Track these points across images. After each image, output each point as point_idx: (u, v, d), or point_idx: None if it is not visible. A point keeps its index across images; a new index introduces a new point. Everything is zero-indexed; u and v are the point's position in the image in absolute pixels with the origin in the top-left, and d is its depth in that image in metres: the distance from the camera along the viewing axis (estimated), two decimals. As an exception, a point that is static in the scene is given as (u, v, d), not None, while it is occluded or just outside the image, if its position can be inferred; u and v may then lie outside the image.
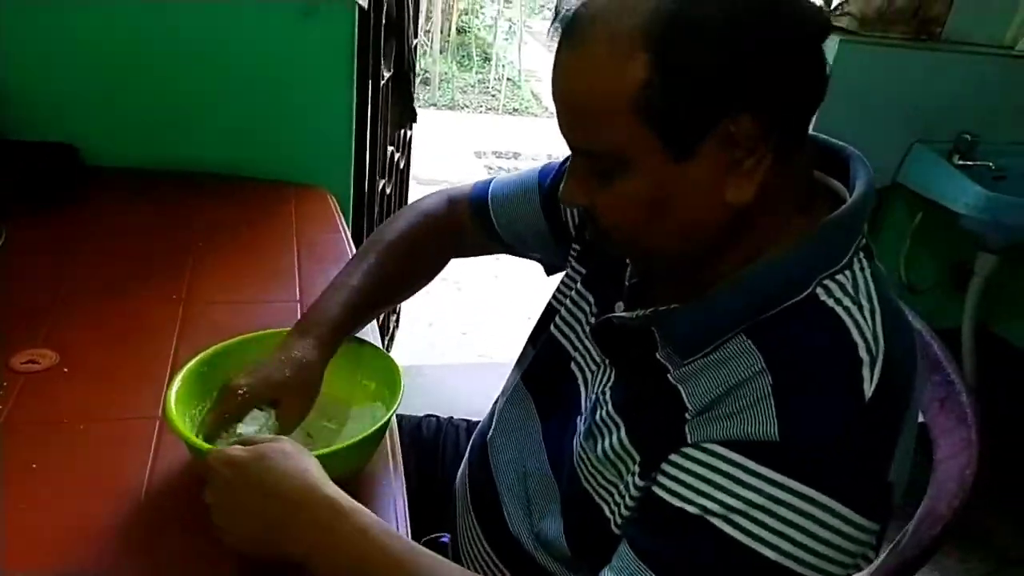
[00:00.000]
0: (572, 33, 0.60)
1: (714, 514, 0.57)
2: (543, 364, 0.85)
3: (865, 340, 0.58)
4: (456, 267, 1.09)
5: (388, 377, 0.86)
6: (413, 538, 0.71)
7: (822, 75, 0.61)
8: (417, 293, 1.02)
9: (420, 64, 5.60)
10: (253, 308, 1.11)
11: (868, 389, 0.56)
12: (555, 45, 0.63)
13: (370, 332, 0.98)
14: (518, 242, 0.97)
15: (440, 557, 0.65)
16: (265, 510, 0.63)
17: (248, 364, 0.80)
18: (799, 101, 0.60)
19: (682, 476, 0.60)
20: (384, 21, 1.63)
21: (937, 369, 0.89)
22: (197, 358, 0.83)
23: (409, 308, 2.66)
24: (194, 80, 1.46)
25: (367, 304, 0.90)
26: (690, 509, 0.58)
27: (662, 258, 0.67)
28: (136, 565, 0.68)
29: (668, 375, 0.65)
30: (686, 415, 0.62)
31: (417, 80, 2.42)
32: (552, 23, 0.64)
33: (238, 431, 0.78)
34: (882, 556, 0.86)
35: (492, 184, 0.98)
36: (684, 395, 0.63)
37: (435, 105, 5.76)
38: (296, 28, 1.45)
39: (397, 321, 2.53)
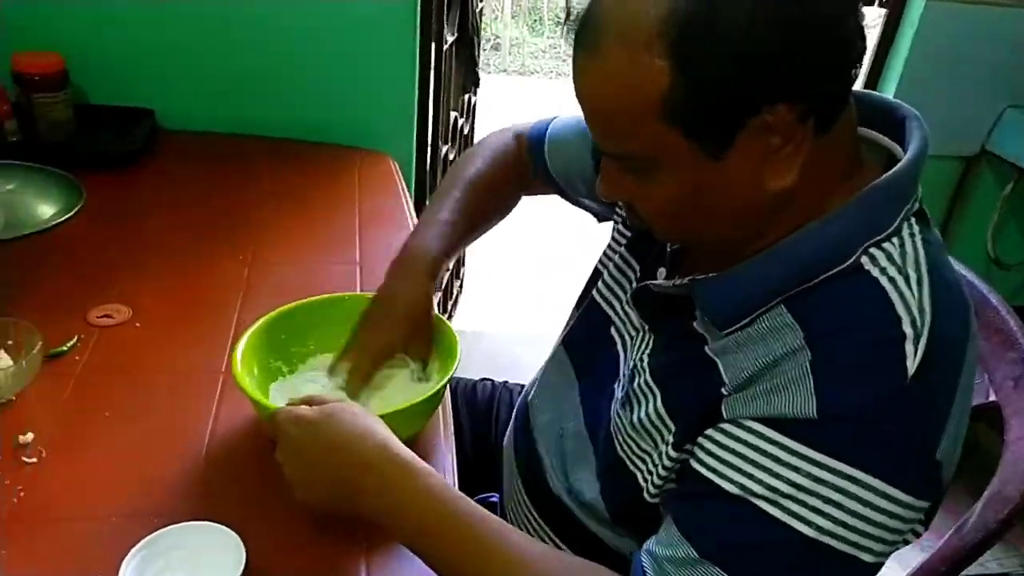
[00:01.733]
0: (586, 38, 0.57)
1: (754, 494, 0.56)
2: (584, 328, 0.85)
3: (910, 313, 0.55)
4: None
5: (439, 341, 0.87)
6: None
7: (861, 38, 0.56)
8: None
9: (491, 29, 5.57)
10: (315, 270, 1.14)
11: (911, 366, 0.54)
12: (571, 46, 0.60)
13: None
14: (569, 187, 0.97)
15: (507, 524, 0.66)
16: (336, 469, 0.64)
17: (366, 317, 0.84)
18: (838, 75, 0.56)
19: (721, 453, 0.59)
20: (449, -16, 1.63)
21: (1012, 346, 0.84)
22: (262, 320, 0.85)
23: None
24: (262, 47, 1.49)
25: (460, 237, 0.92)
26: (730, 488, 0.58)
27: (705, 242, 0.67)
28: (192, 512, 0.71)
29: (706, 346, 0.64)
30: (723, 390, 0.61)
31: (488, 45, 2.40)
32: (564, 23, 0.62)
33: (300, 390, 0.81)
34: (944, 538, 0.83)
35: (551, 125, 0.97)
36: (722, 369, 0.62)
37: (505, 71, 5.72)
38: (361, -8, 1.46)
39: (461, 286, 2.55)
